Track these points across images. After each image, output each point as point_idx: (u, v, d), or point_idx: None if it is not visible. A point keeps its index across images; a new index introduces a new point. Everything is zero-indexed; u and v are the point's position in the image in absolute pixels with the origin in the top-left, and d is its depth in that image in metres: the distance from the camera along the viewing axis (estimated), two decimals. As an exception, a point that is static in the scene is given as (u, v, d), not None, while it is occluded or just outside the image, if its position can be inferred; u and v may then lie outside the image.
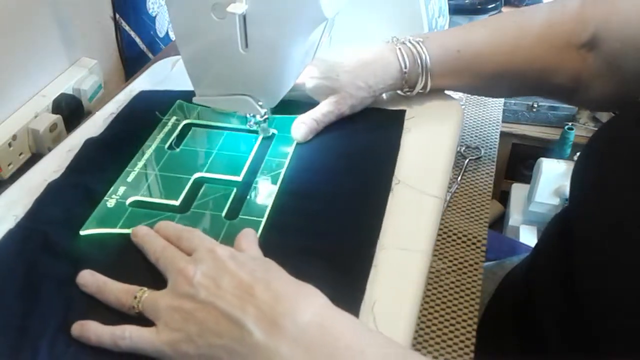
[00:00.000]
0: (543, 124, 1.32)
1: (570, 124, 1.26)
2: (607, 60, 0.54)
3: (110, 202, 0.52)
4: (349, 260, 0.45)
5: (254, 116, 0.59)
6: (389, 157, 0.55)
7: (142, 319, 0.40)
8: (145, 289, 0.41)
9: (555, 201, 1.21)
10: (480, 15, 1.18)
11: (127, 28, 0.89)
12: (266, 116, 0.59)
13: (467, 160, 0.68)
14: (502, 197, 1.44)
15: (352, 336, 0.35)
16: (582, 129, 1.27)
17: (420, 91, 0.60)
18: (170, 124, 0.62)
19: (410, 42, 0.59)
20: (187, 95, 0.62)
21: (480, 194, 0.63)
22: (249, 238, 0.46)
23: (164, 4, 0.96)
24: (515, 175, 1.44)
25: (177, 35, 0.54)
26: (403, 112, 0.61)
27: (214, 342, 0.36)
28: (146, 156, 0.57)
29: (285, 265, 0.41)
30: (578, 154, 1.18)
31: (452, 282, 0.53)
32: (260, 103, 0.55)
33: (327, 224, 0.48)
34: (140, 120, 0.62)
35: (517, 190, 1.36)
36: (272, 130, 0.60)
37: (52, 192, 0.53)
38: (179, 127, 0.61)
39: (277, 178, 0.54)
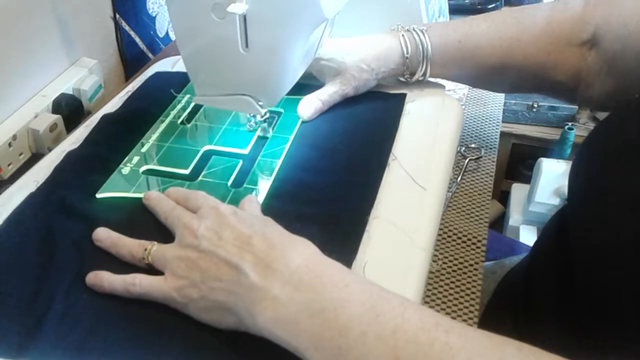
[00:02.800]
0: (543, 124, 1.32)
1: (570, 124, 1.26)
2: (607, 58, 0.54)
3: (125, 169, 0.56)
4: (344, 225, 0.48)
5: (254, 116, 0.59)
6: (387, 134, 0.58)
7: (151, 270, 0.44)
8: (155, 242, 0.45)
9: (555, 201, 1.21)
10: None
11: (127, 28, 0.89)
12: (266, 116, 0.59)
13: (467, 160, 0.68)
14: (502, 197, 1.44)
15: (338, 275, 0.39)
16: (582, 129, 1.26)
17: (420, 78, 0.63)
18: (183, 101, 0.66)
19: (414, 29, 0.61)
20: None
21: (480, 194, 0.63)
22: (252, 202, 0.50)
23: (164, 4, 0.96)
24: (515, 175, 1.44)
25: (177, 35, 0.54)
26: (404, 95, 0.63)
27: (215, 286, 0.39)
28: (160, 129, 0.61)
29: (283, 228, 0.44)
30: (578, 153, 1.18)
31: (452, 282, 0.53)
32: (260, 103, 0.55)
33: (324, 193, 0.52)
34: (154, 97, 0.67)
35: (517, 190, 1.36)
36: (277, 109, 0.62)
37: (70, 161, 0.57)
38: (192, 104, 0.65)
39: (281, 152, 0.57)
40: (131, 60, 0.91)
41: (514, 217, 1.31)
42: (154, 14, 0.96)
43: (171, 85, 0.68)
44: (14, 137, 0.68)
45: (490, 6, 1.18)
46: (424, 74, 0.62)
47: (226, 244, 0.41)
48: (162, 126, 0.61)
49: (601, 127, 0.49)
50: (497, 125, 0.74)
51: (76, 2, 0.79)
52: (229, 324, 0.40)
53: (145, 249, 0.44)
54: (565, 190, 1.17)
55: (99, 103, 0.79)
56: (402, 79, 0.64)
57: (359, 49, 0.61)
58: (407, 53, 0.60)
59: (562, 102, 1.22)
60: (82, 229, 0.48)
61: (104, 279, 0.43)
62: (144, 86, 0.69)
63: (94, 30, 0.83)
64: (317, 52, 0.59)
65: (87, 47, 0.82)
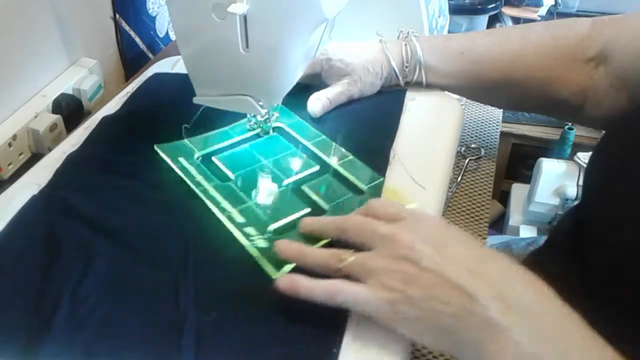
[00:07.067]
0: (543, 124, 1.32)
1: (570, 124, 1.26)
2: (618, 74, 0.55)
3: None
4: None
5: (254, 116, 0.59)
6: (387, 133, 0.59)
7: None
8: (350, 251, 0.41)
9: (555, 201, 1.21)
10: (480, 15, 1.18)
11: (127, 28, 0.89)
12: (267, 116, 0.59)
13: (467, 160, 0.68)
14: (502, 197, 1.44)
15: (572, 325, 0.36)
16: (582, 129, 1.26)
17: (418, 81, 0.64)
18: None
19: (415, 36, 0.63)
20: None
21: (480, 194, 0.63)
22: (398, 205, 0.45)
23: (164, 4, 0.96)
24: (515, 175, 1.44)
25: (177, 35, 0.53)
26: (404, 93, 0.64)
27: (440, 309, 0.36)
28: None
29: None
30: (578, 153, 1.18)
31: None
32: (260, 103, 0.55)
33: None
34: (153, 98, 0.67)
35: (517, 190, 1.36)
36: (276, 124, 0.62)
37: (71, 163, 0.57)
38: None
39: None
40: (131, 60, 0.91)
41: (514, 217, 1.31)
42: (154, 14, 0.96)
43: (170, 86, 0.67)
44: (14, 137, 0.68)
45: (490, 6, 1.18)
46: (420, 82, 0.63)
47: (451, 264, 0.37)
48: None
49: (616, 127, 0.49)
50: (497, 125, 0.75)
51: (76, 2, 0.78)
52: (442, 347, 0.38)
53: (341, 260, 0.41)
54: (566, 190, 1.17)
55: (99, 103, 0.79)
56: (401, 84, 0.65)
57: (366, 52, 0.63)
58: (407, 62, 0.62)
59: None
60: (86, 231, 0.48)
61: (301, 285, 0.40)
62: (143, 87, 0.69)
63: (94, 30, 0.83)
64: (317, 52, 0.59)
65: (87, 47, 0.82)
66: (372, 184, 0.53)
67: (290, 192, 0.53)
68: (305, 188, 0.53)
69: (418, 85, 0.64)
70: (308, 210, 0.51)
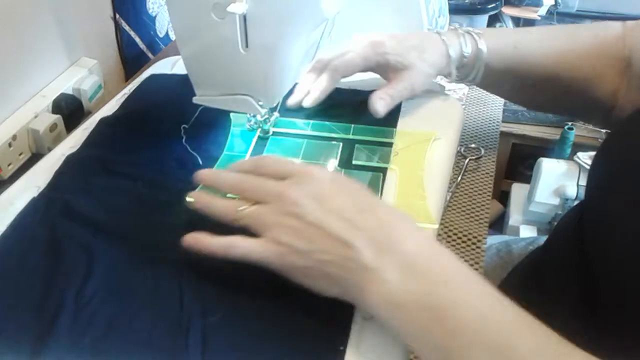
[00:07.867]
0: (543, 124, 1.32)
1: (570, 123, 1.26)
2: (638, 77, 0.55)
3: None
4: None
5: (254, 116, 0.59)
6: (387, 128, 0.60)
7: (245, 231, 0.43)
8: (250, 203, 0.43)
9: (555, 201, 1.21)
10: (480, 15, 1.19)
11: (127, 28, 0.89)
12: (266, 116, 0.59)
13: (467, 160, 0.68)
14: (502, 197, 1.44)
15: (451, 268, 0.38)
16: (582, 129, 1.26)
17: (470, 81, 0.62)
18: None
19: (469, 32, 0.60)
20: None
21: (480, 194, 0.63)
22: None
23: (164, 4, 0.96)
24: (515, 175, 1.44)
25: (177, 35, 0.54)
26: None
27: (324, 258, 0.39)
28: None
29: None
30: (578, 153, 1.18)
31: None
32: (260, 103, 0.55)
33: None
34: (150, 99, 0.67)
35: (517, 190, 1.36)
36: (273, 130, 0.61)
37: (71, 164, 0.57)
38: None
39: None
40: (131, 60, 0.91)
41: (514, 217, 1.31)
42: (154, 14, 0.96)
43: (166, 87, 0.68)
44: (14, 137, 0.68)
45: (490, 6, 1.18)
46: (475, 78, 0.61)
47: (332, 216, 0.40)
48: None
49: (620, 127, 0.49)
50: (497, 125, 0.74)
51: (76, 2, 0.79)
52: (333, 293, 0.40)
53: (238, 210, 0.43)
54: (566, 190, 1.17)
55: (99, 103, 0.79)
56: (448, 79, 0.63)
57: (420, 42, 0.60)
58: (466, 54, 0.59)
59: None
60: (87, 232, 0.48)
61: (201, 241, 0.43)
62: (140, 88, 0.70)
63: (94, 30, 0.83)
64: (317, 52, 0.59)
65: (87, 47, 0.82)
66: (392, 134, 0.59)
67: (349, 171, 0.56)
68: (356, 162, 0.56)
69: (470, 82, 0.63)
70: (379, 175, 0.54)
